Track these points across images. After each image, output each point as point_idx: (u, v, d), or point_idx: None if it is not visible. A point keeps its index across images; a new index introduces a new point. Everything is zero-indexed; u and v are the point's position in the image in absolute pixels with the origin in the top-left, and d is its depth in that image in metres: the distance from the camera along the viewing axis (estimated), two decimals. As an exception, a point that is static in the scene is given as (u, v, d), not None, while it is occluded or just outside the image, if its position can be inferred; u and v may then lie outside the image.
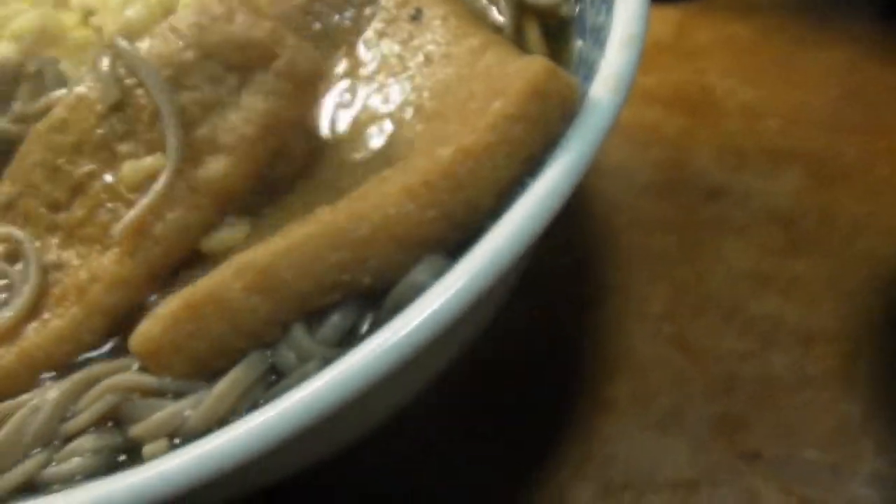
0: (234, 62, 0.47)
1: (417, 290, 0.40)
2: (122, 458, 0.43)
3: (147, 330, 0.42)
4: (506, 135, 0.41)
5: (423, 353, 0.37)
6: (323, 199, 0.45)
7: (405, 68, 0.52)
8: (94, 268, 0.46)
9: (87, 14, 0.63)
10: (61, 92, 0.54)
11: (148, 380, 0.42)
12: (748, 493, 0.55)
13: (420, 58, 0.51)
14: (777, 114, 0.74)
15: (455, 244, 0.42)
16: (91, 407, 0.42)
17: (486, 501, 0.58)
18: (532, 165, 0.42)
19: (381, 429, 0.50)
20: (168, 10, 0.59)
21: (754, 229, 0.67)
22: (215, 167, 0.46)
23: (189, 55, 0.47)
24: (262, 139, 0.46)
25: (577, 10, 0.54)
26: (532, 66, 0.42)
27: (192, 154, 0.46)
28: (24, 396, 0.44)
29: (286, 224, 0.44)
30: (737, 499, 0.55)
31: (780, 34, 0.81)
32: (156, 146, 0.47)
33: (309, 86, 0.48)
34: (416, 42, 0.53)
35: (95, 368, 0.44)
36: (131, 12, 0.59)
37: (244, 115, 0.46)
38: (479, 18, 0.55)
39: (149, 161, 0.46)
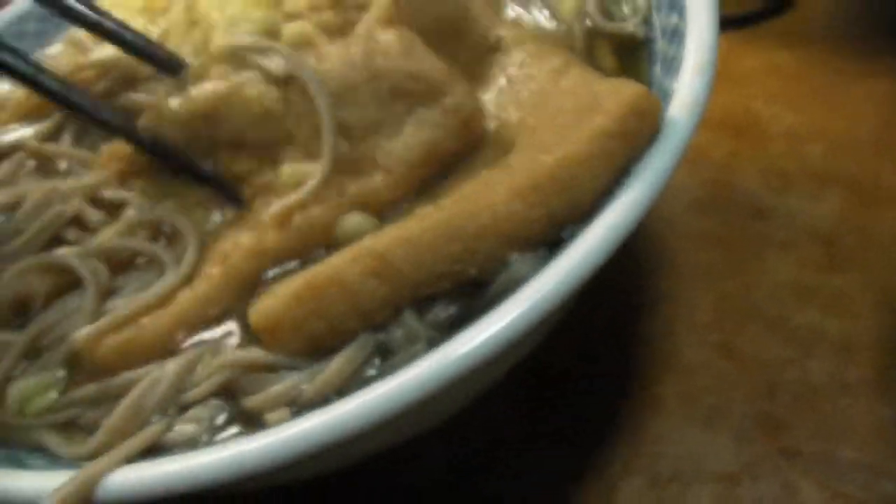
0: (402, 90, 0.51)
1: (518, 282, 0.44)
2: (234, 428, 0.47)
3: (269, 306, 0.46)
4: (604, 147, 0.46)
5: (520, 340, 0.42)
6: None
7: (491, 87, 0.56)
8: (238, 240, 0.51)
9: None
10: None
11: (262, 356, 0.47)
12: (787, 487, 0.58)
13: (507, 79, 0.56)
14: (820, 139, 0.78)
15: (555, 241, 0.47)
16: (209, 379, 0.47)
17: (544, 492, 0.62)
18: (621, 175, 0.47)
19: (447, 422, 0.54)
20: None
21: (797, 246, 0.71)
22: (371, 184, 0.51)
23: (358, 75, 0.52)
24: (420, 166, 0.52)
25: (647, 38, 0.59)
26: (628, 89, 0.48)
27: (349, 167, 0.51)
28: (147, 367, 0.49)
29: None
30: (776, 492, 0.58)
31: (823, 64, 0.85)
32: (312, 152, 0.51)
33: (470, 125, 0.53)
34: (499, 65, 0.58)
35: (209, 344, 0.49)
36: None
37: (407, 141, 0.51)
38: (554, 43, 0.61)
39: (305, 168, 0.51)
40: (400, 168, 0.52)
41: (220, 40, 0.55)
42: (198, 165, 0.55)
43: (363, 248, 0.46)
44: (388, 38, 0.52)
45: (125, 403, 0.46)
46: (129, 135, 0.55)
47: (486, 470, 0.63)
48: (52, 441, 0.47)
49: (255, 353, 0.47)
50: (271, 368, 0.47)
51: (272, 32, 0.59)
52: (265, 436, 0.41)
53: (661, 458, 0.61)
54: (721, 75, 0.85)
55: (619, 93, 0.48)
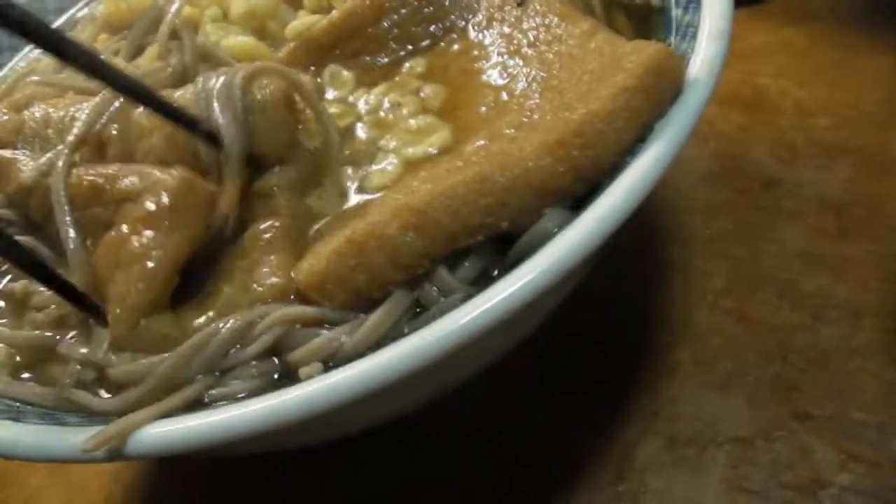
0: None
1: (545, 237, 0.46)
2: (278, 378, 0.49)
3: (313, 265, 0.48)
4: (627, 103, 0.47)
5: (548, 292, 0.43)
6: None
7: (518, 47, 0.58)
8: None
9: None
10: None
11: (311, 310, 0.48)
12: (801, 448, 0.60)
13: (530, 38, 0.58)
14: (828, 112, 0.80)
15: (580, 196, 0.48)
16: (262, 338, 0.48)
17: (563, 450, 0.63)
18: (644, 132, 0.48)
19: (470, 381, 0.56)
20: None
21: (807, 215, 0.73)
22: None
23: None
24: None
25: (662, 5, 0.61)
26: (650, 47, 0.49)
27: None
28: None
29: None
30: (790, 453, 0.60)
31: (831, 40, 0.87)
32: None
33: None
34: (524, 25, 0.59)
35: (258, 309, 0.50)
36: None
37: None
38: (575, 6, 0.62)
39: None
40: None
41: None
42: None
43: (401, 203, 0.48)
44: None
45: (168, 362, 0.48)
46: None
47: (505, 428, 0.64)
48: (87, 397, 0.49)
49: (305, 308, 0.49)
50: (320, 322, 0.48)
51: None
52: (292, 390, 0.43)
53: (677, 421, 0.63)
54: (730, 51, 0.88)
55: (640, 51, 0.49)
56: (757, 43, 0.87)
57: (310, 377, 0.45)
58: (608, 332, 0.68)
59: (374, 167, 0.55)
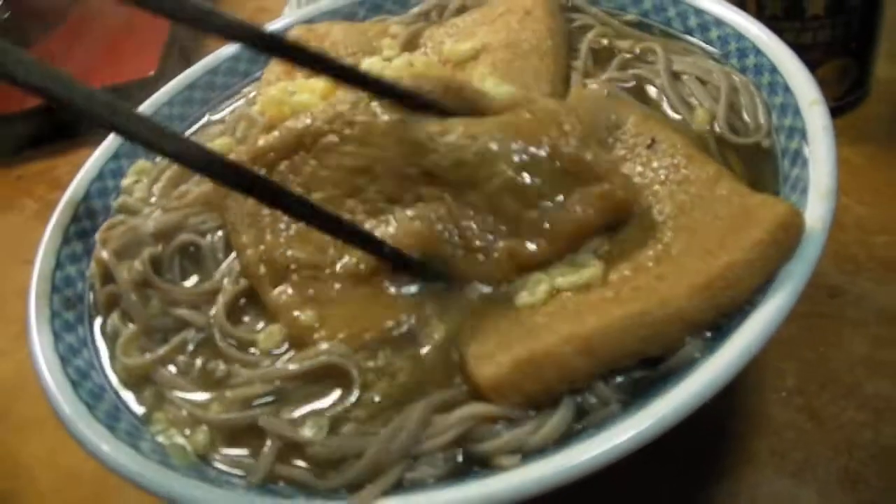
0: (573, 171, 0.66)
1: (689, 361, 0.57)
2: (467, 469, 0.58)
3: (497, 373, 0.58)
4: (762, 254, 0.58)
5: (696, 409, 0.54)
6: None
7: (650, 184, 0.69)
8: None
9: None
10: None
11: (496, 410, 0.58)
12: None
13: (661, 177, 0.69)
14: (885, 230, 0.90)
15: (716, 326, 0.59)
16: (451, 430, 0.58)
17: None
18: (771, 277, 0.59)
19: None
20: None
21: (868, 324, 0.82)
22: (531, 248, 0.65)
23: (543, 153, 0.66)
24: (573, 237, 0.65)
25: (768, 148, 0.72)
26: (780, 206, 0.61)
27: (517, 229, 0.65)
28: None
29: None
30: None
31: (886, 160, 0.97)
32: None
33: (618, 208, 0.66)
34: (654, 164, 0.70)
35: (437, 397, 0.60)
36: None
37: (566, 215, 0.65)
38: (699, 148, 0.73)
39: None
40: (557, 237, 0.66)
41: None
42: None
43: (573, 331, 0.58)
44: (571, 125, 0.67)
45: (375, 446, 0.58)
46: None
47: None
48: (304, 474, 0.59)
49: (488, 408, 0.58)
50: (495, 420, 0.58)
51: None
52: (510, 476, 0.54)
53: (756, 502, 0.73)
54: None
55: (772, 209, 0.60)
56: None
57: (512, 467, 0.55)
58: (693, 421, 0.78)
59: (525, 289, 0.65)
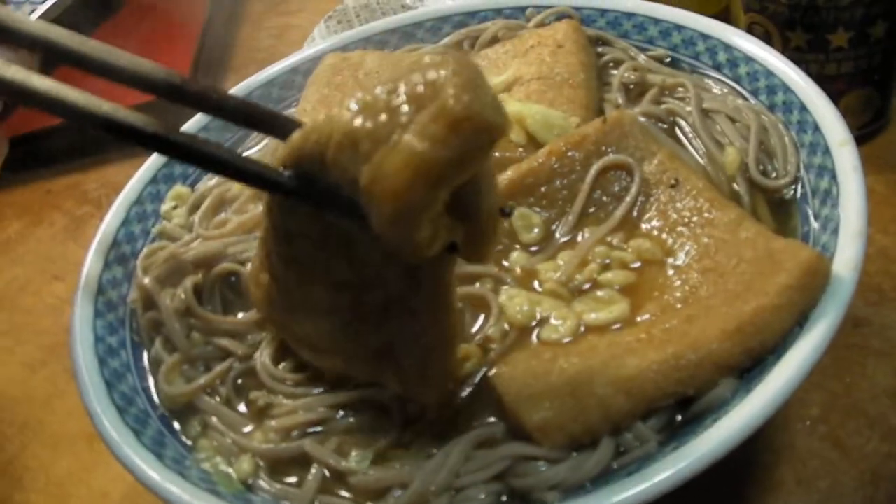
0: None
1: (721, 401, 0.59)
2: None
3: (545, 417, 0.60)
4: (790, 299, 0.60)
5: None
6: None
7: (674, 224, 0.71)
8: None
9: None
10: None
11: (538, 451, 0.60)
12: None
13: (683, 218, 0.71)
14: (910, 259, 0.91)
15: (747, 369, 0.61)
16: (494, 465, 0.60)
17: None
18: (800, 320, 0.61)
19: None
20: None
21: (893, 355, 0.84)
22: None
23: None
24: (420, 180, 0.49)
25: (797, 195, 0.74)
26: (804, 252, 0.62)
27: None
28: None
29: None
30: None
31: (910, 189, 0.98)
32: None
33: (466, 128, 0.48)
34: (678, 205, 0.72)
35: (477, 433, 0.62)
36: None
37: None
38: (721, 189, 0.75)
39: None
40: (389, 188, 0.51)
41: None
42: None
43: (618, 377, 0.60)
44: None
45: (419, 479, 0.60)
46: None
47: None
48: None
49: (531, 448, 0.60)
50: (538, 458, 0.60)
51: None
52: None
53: (782, 534, 0.74)
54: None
55: (797, 254, 0.62)
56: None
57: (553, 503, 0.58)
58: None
59: (553, 321, 0.67)
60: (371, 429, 0.64)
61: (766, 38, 0.97)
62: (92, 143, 1.36)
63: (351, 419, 0.65)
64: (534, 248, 0.75)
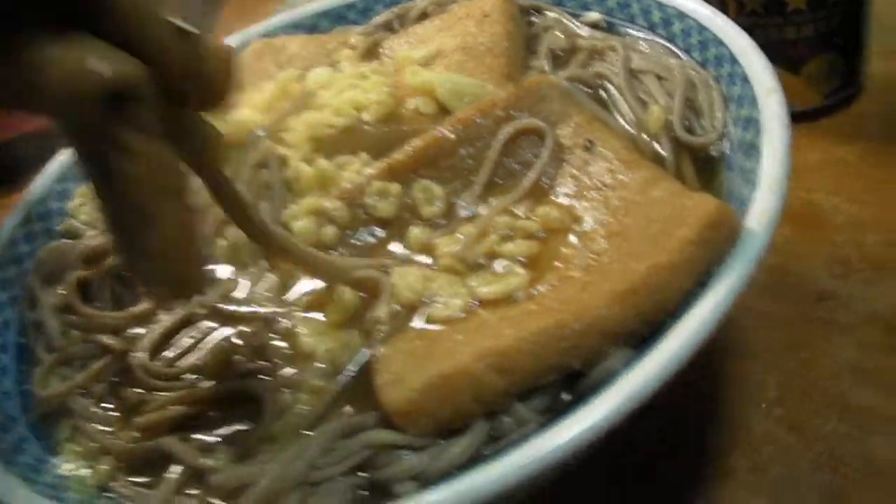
0: None
1: (611, 375, 0.52)
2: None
3: (405, 396, 0.53)
4: (689, 255, 0.53)
5: (614, 428, 0.49)
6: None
7: (583, 190, 0.64)
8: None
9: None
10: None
11: (399, 438, 0.54)
12: None
13: (596, 182, 0.64)
14: (881, 229, 0.84)
15: (644, 337, 0.54)
16: (351, 457, 0.54)
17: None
18: (703, 280, 0.54)
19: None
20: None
21: (857, 330, 0.77)
22: None
23: None
24: None
25: (725, 151, 0.67)
26: (708, 204, 0.55)
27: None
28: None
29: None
30: None
31: (881, 158, 0.92)
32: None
33: None
34: (590, 168, 0.66)
35: (342, 423, 0.56)
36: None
37: None
38: (640, 151, 0.68)
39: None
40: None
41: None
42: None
43: (488, 346, 0.53)
44: None
45: (269, 475, 0.54)
46: None
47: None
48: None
49: (392, 436, 0.54)
50: (402, 447, 0.54)
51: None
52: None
53: (733, 527, 0.67)
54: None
55: (699, 207, 0.55)
56: (810, 161, 0.92)
57: (407, 494, 0.51)
58: (663, 441, 0.73)
59: (440, 299, 0.61)
60: (241, 422, 0.59)
61: (721, 5, 0.91)
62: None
63: (221, 412, 0.60)
64: (441, 222, 0.68)
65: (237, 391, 0.61)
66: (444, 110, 0.76)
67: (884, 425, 0.70)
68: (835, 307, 0.80)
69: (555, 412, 0.53)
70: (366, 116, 0.76)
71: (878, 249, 0.83)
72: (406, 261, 0.66)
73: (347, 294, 0.64)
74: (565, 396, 0.54)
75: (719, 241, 0.54)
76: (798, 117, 0.95)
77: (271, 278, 0.69)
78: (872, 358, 0.75)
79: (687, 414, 0.75)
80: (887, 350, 0.75)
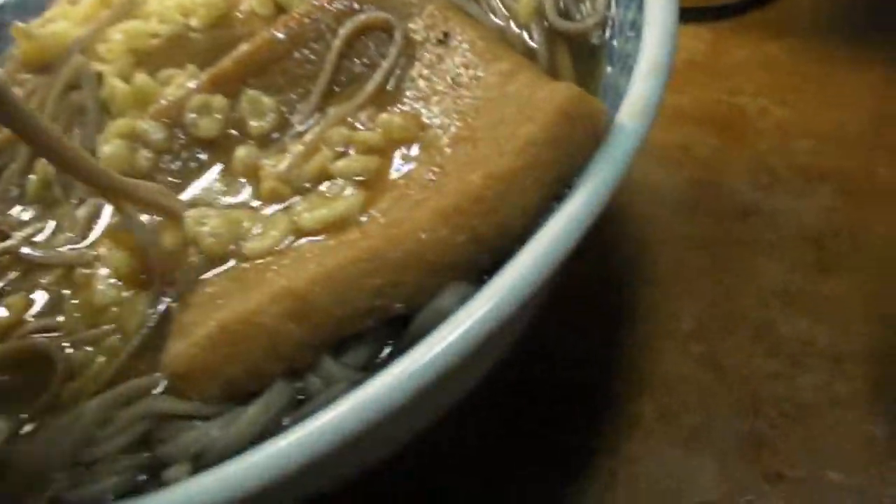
0: None
1: (442, 316, 0.40)
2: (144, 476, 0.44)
3: (183, 352, 0.43)
4: (534, 159, 0.42)
5: (445, 377, 0.38)
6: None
7: (434, 91, 0.53)
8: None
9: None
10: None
11: (182, 406, 0.43)
12: None
13: (448, 81, 0.52)
14: (810, 133, 0.74)
15: (485, 268, 0.43)
16: (129, 430, 0.43)
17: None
18: (560, 188, 0.43)
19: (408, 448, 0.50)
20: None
21: (785, 248, 0.67)
22: None
23: None
24: None
25: (606, 36, 0.55)
26: (559, 92, 0.43)
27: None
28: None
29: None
30: None
31: (814, 55, 0.81)
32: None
33: None
34: (444, 66, 0.54)
35: (123, 388, 0.45)
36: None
37: None
38: (509, 43, 0.57)
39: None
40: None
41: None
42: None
43: (280, 288, 0.42)
44: None
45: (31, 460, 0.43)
46: None
47: (456, 491, 0.59)
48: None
49: (174, 403, 0.43)
50: (187, 416, 0.43)
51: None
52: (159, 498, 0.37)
53: (638, 481, 0.58)
54: (706, 68, 0.82)
55: (551, 98, 0.43)
56: (736, 59, 0.82)
57: (176, 480, 0.39)
58: (562, 382, 0.63)
59: (257, 233, 0.49)
60: (29, 387, 0.49)
61: None
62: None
63: (6, 377, 0.50)
64: (274, 136, 0.57)
65: (27, 350, 0.50)
66: (283, 10, 0.63)
67: (813, 357, 0.60)
68: (760, 224, 0.70)
69: (377, 368, 0.41)
70: (194, 22, 0.64)
71: (808, 157, 0.73)
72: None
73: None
74: (389, 348, 0.43)
75: (576, 139, 0.42)
76: (724, 11, 0.86)
77: (81, 216, 0.58)
78: (802, 280, 0.66)
79: (590, 354, 0.65)
80: (818, 270, 0.65)
